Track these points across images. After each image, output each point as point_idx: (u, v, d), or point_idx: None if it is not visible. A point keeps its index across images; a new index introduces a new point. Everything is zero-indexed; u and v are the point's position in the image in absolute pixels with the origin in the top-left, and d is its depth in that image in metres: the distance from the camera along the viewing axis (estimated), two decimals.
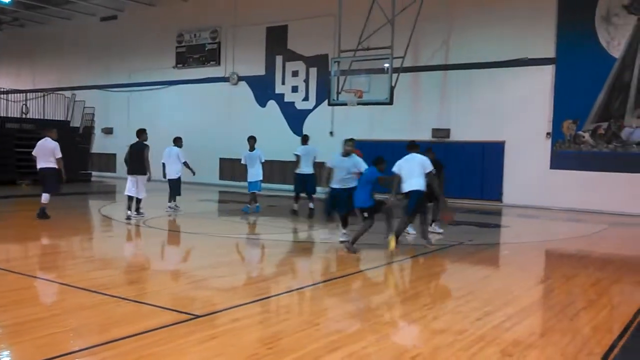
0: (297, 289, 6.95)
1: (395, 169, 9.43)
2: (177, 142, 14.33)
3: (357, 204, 9.12)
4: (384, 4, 16.68)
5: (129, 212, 12.44)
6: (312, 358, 4.41)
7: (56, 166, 11.74)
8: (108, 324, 5.15)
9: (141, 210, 12.66)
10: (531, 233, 13.39)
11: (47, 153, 11.69)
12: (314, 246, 10.63)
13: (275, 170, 20.70)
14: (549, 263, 9.81)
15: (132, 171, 12.46)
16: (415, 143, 10.16)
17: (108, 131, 27.19)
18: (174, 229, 12.09)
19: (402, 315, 5.71)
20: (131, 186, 12.38)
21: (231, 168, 23.60)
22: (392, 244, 8.94)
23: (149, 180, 12.50)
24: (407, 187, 9.30)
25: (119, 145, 27.12)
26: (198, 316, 5.41)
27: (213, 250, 9.40)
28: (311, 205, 13.55)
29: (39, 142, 11.87)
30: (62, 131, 23.92)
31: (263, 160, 14.08)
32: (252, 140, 14.08)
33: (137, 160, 12.30)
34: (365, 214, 9.02)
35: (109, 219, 13.26)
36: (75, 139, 24.01)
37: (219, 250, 9.41)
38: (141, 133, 12.62)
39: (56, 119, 25.09)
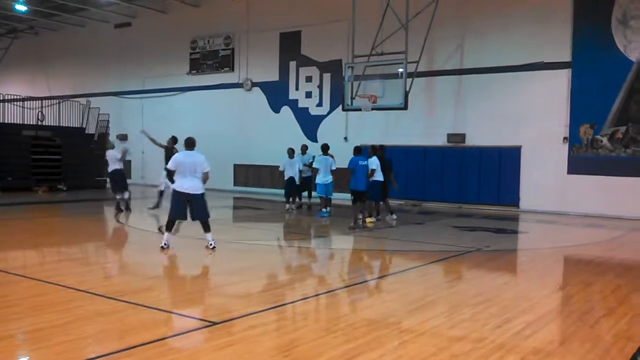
0: (314, 295, 6.92)
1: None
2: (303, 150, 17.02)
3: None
4: (398, 9, 16.65)
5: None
6: None
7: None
8: (125, 331, 5.15)
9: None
10: (549, 239, 13.27)
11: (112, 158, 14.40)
12: (329, 252, 10.58)
13: None
14: (567, 269, 9.69)
15: None
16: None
17: (123, 137, 27.25)
18: (189, 235, 12.09)
19: (419, 322, 5.65)
20: None
21: (245, 174, 23.69)
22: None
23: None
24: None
25: (133, 151, 27.32)
26: (215, 323, 5.40)
27: (227, 256, 9.39)
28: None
29: None
30: (78, 138, 24.41)
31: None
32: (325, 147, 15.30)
33: None
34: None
35: (123, 225, 13.32)
36: (90, 145, 24.17)
37: (233, 256, 9.41)
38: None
39: (72, 125, 25.29)
